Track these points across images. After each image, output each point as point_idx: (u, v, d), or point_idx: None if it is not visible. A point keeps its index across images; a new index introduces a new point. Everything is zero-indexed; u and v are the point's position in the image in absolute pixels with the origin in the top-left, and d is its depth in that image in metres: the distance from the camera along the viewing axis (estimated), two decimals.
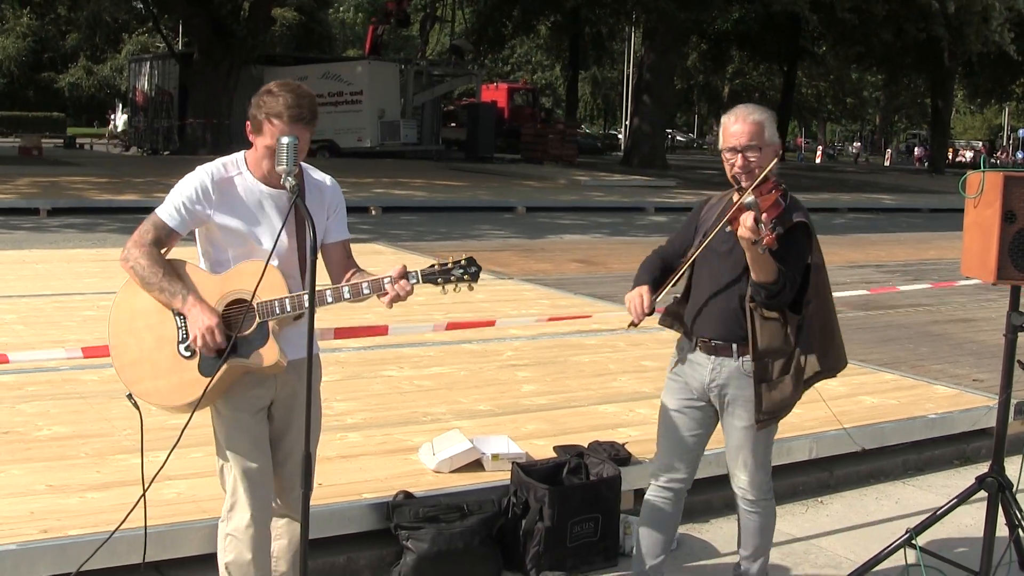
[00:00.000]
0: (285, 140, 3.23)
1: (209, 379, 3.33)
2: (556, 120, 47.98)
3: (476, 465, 4.91)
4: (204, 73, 32.17)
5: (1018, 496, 4.32)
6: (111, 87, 63.31)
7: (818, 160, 59.55)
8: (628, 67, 56.76)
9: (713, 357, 3.92)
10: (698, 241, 3.95)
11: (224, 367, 3.34)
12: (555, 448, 5.19)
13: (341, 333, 6.38)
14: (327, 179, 3.62)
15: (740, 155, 3.79)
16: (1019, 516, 4.27)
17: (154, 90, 38.00)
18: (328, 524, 4.35)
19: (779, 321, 3.79)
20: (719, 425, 4.06)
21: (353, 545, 4.48)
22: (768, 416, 3.84)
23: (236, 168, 3.46)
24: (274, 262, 3.36)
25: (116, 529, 3.74)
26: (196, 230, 3.48)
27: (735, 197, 3.81)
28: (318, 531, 4.16)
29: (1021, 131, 70.44)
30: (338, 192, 3.65)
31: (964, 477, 5.83)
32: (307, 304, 3.20)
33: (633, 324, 3.91)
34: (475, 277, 3.47)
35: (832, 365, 3.97)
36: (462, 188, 23.85)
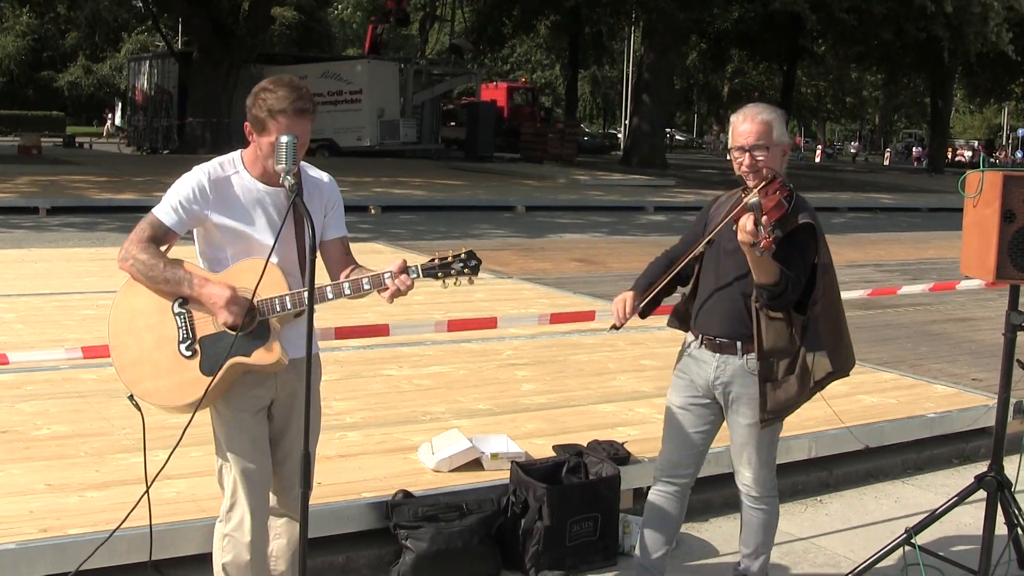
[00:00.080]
0: (284, 139, 3.23)
1: (211, 378, 3.33)
2: (556, 119, 47.98)
3: (475, 464, 4.91)
4: (204, 72, 32.17)
5: (1017, 495, 4.32)
6: (110, 86, 63.29)
7: (817, 159, 59.56)
8: (628, 66, 56.73)
9: (718, 355, 3.93)
10: (704, 240, 3.96)
11: (226, 366, 3.34)
12: (554, 447, 5.19)
13: (342, 333, 6.37)
14: (324, 176, 3.62)
15: (747, 154, 3.80)
16: (1018, 515, 4.27)
17: (153, 89, 37.99)
18: (327, 523, 4.35)
19: (784, 321, 3.80)
20: (724, 424, 4.08)
21: (352, 544, 4.48)
22: (773, 415, 3.86)
23: (233, 167, 3.46)
24: (273, 260, 3.35)
25: (117, 528, 3.74)
26: (194, 231, 3.47)
27: (743, 196, 3.83)
28: (317, 530, 4.16)
29: (1020, 130, 70.46)
30: (335, 189, 3.65)
31: (963, 476, 5.83)
32: (311, 304, 3.19)
33: (615, 327, 3.96)
34: (475, 270, 3.48)
35: (842, 365, 3.97)
36: (461, 187, 23.85)
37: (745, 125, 3.82)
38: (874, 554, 4.36)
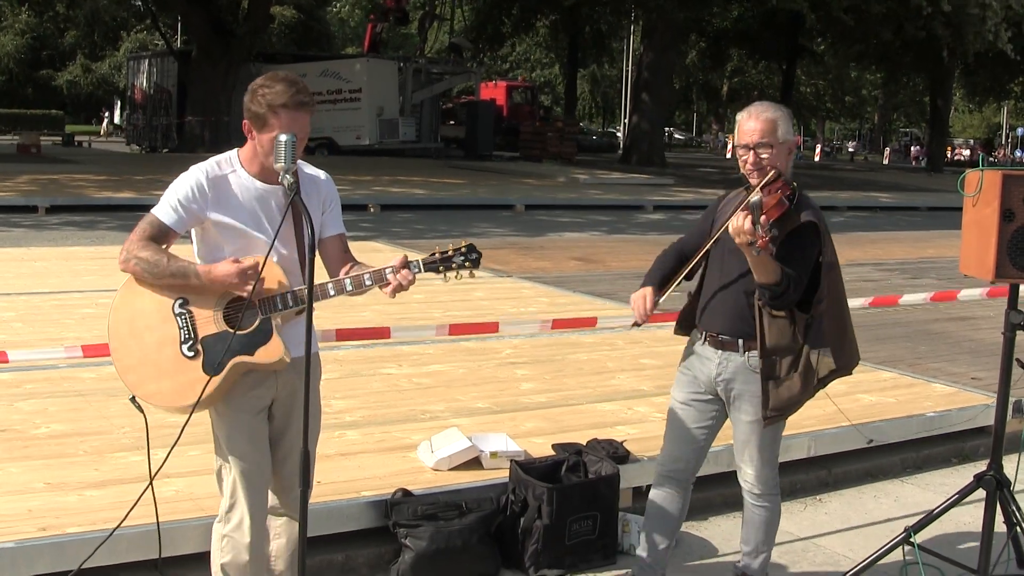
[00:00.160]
0: (284, 138, 3.22)
1: (215, 377, 3.32)
2: (555, 118, 47.98)
3: (474, 463, 4.91)
4: (203, 71, 32.16)
5: (1016, 494, 4.32)
6: (109, 85, 63.27)
7: (817, 158, 59.59)
8: (627, 65, 56.74)
9: (720, 351, 3.95)
10: (712, 237, 3.97)
11: (229, 365, 3.33)
12: (553, 446, 5.19)
13: (343, 335, 6.37)
14: (321, 174, 3.62)
15: (752, 152, 3.81)
16: (1017, 514, 4.27)
17: (153, 88, 38.00)
18: (326, 522, 4.35)
19: (787, 319, 3.81)
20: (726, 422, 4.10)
21: (351, 543, 4.48)
22: (776, 413, 3.87)
23: (230, 166, 3.45)
24: (273, 258, 3.35)
25: (117, 527, 3.74)
26: (192, 232, 3.47)
27: (747, 194, 3.84)
28: (316, 529, 4.15)
29: (1020, 129, 70.43)
30: (332, 187, 3.65)
31: (962, 475, 5.83)
32: (310, 303, 3.19)
33: (636, 324, 3.99)
34: (476, 263, 3.50)
35: (846, 363, 3.99)
36: (461, 186, 23.85)
37: (750, 123, 3.83)
38: (873, 553, 4.36)
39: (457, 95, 49.50)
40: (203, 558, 3.86)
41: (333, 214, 3.62)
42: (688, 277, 4.09)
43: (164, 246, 3.41)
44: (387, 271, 3.40)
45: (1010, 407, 4.97)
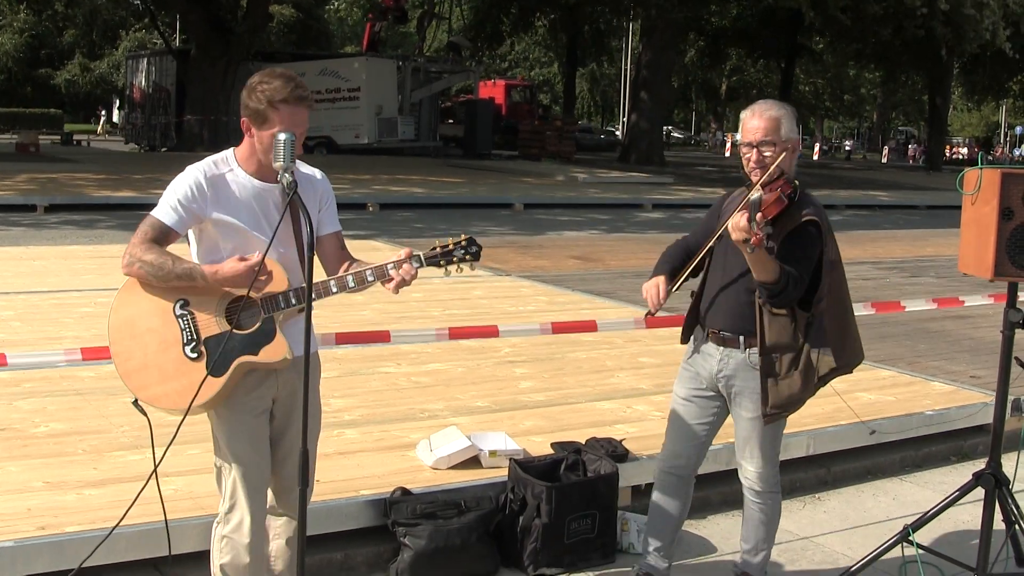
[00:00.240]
0: (282, 137, 3.22)
1: (219, 378, 3.32)
2: (554, 117, 47.98)
3: (473, 462, 4.91)
4: (202, 69, 32.16)
5: (1016, 493, 4.32)
6: (108, 84, 63.26)
7: (815, 157, 59.62)
8: (626, 64, 56.73)
9: (722, 348, 3.97)
10: (715, 236, 3.98)
11: (234, 365, 3.33)
12: (552, 445, 5.19)
13: (343, 338, 6.36)
14: (317, 172, 3.63)
15: (755, 150, 3.82)
16: (1016, 512, 4.27)
17: (151, 86, 37.98)
18: (325, 521, 4.35)
19: (788, 317, 3.81)
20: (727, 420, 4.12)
21: (350, 542, 4.48)
22: (775, 410, 3.88)
23: (227, 165, 3.45)
24: (273, 256, 3.35)
25: (116, 525, 3.73)
26: (189, 234, 3.45)
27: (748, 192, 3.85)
28: (315, 528, 4.15)
29: (1018, 128, 70.45)
30: (328, 185, 3.66)
31: (961, 473, 5.83)
32: (309, 301, 3.19)
33: (650, 313, 3.99)
34: (476, 256, 3.51)
35: (848, 361, 3.99)
36: (460, 185, 23.84)
37: (754, 121, 3.84)
38: (872, 551, 4.36)
39: (456, 94, 49.51)
40: (202, 557, 3.86)
41: (329, 212, 3.62)
42: (695, 273, 4.10)
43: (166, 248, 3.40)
44: (388, 267, 3.40)
45: (1009, 405, 4.97)
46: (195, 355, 3.34)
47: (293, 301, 3.36)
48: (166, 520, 3.67)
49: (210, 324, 3.35)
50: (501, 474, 4.75)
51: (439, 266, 3.48)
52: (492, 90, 47.04)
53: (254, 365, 3.38)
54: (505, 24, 44.27)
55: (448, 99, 46.87)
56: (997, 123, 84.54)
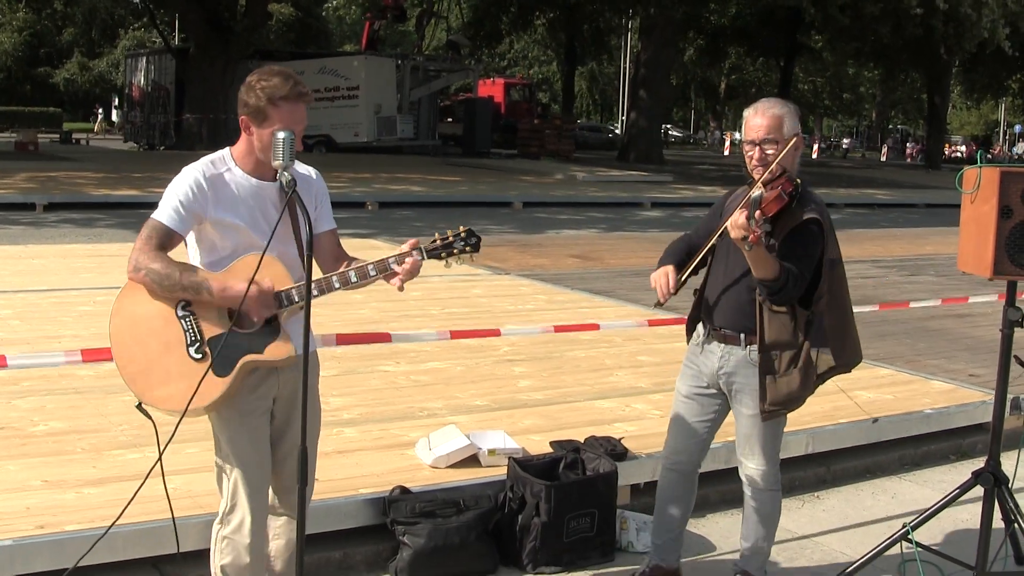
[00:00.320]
0: (281, 135, 3.22)
1: (226, 377, 3.30)
2: (553, 115, 47.97)
3: (472, 460, 4.91)
4: (201, 68, 32.13)
5: (1015, 492, 4.32)
6: (107, 82, 63.23)
7: (814, 155, 59.62)
8: (625, 62, 56.72)
9: (723, 345, 3.99)
10: (716, 233, 3.98)
11: (239, 364, 3.32)
12: (551, 443, 5.19)
13: (343, 339, 6.36)
14: (311, 171, 3.63)
15: (758, 148, 3.82)
16: (1015, 511, 4.27)
17: (150, 85, 37.97)
18: (324, 519, 4.35)
19: (788, 315, 3.82)
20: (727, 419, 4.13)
21: (349, 540, 4.48)
22: (774, 407, 3.88)
23: (224, 164, 3.44)
24: (273, 254, 3.35)
25: (112, 524, 3.73)
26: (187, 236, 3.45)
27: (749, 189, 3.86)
28: (314, 526, 4.15)
29: (1017, 126, 70.43)
30: (323, 183, 3.66)
31: (960, 472, 5.84)
32: (308, 299, 3.19)
33: (659, 303, 3.98)
34: (476, 247, 3.53)
35: (847, 360, 4.00)
36: (459, 183, 23.84)
37: (756, 119, 3.85)
38: (871, 550, 4.36)
39: (455, 92, 49.50)
40: (201, 556, 3.85)
41: (324, 210, 3.63)
42: (697, 271, 4.10)
43: (169, 252, 3.38)
44: (391, 261, 3.41)
45: (1008, 404, 4.97)
46: (199, 356, 3.32)
47: (296, 298, 3.36)
48: (173, 518, 3.66)
49: (213, 324, 3.34)
50: (500, 473, 4.75)
51: (440, 258, 3.49)
52: (491, 89, 47.03)
53: (260, 363, 3.37)
54: (504, 22, 44.26)
55: (447, 98, 46.85)
56: (996, 121, 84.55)
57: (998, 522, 4.26)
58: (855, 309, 4.15)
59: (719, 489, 5.30)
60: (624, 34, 54.53)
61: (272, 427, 3.55)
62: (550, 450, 5.08)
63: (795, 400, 3.90)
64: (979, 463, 4.50)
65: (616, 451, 5.05)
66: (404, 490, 4.51)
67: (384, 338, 6.56)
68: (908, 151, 64.78)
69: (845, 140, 72.45)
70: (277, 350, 3.36)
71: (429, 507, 4.41)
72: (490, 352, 7.29)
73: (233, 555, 3.51)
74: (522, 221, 18.64)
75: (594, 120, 71.16)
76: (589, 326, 7.62)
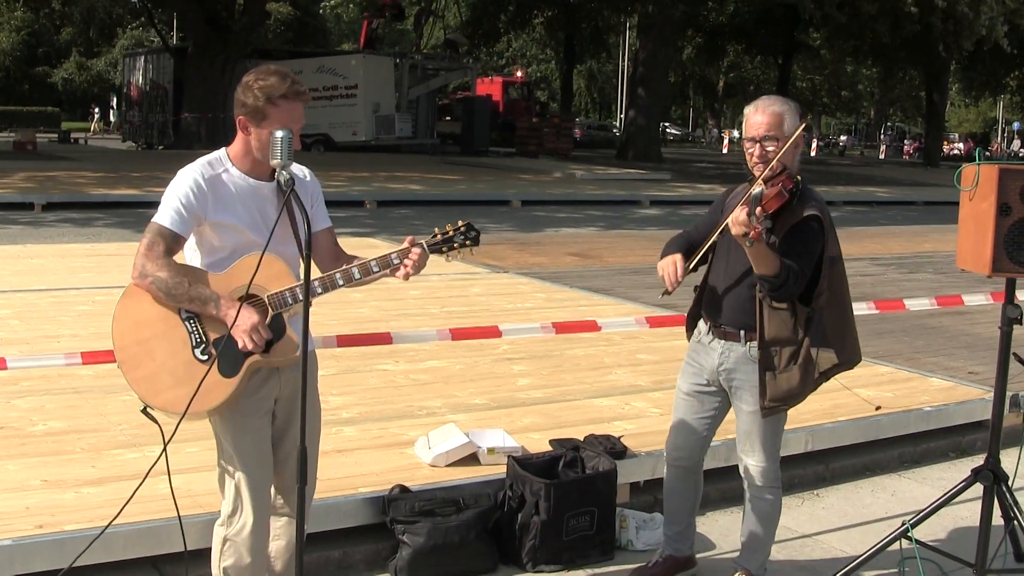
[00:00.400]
0: (280, 135, 3.22)
1: (233, 378, 3.30)
2: (551, 114, 47.95)
3: (472, 459, 4.91)
4: (199, 67, 32.11)
5: (1015, 491, 4.32)
6: (105, 82, 63.20)
7: (813, 153, 59.61)
8: (623, 60, 56.71)
9: (723, 342, 4.00)
10: (717, 230, 3.98)
11: (246, 365, 3.31)
12: (551, 442, 5.18)
13: (344, 341, 6.35)
14: (304, 170, 3.62)
15: (758, 145, 3.83)
16: (1014, 508, 4.27)
17: (148, 84, 37.94)
18: (324, 518, 4.34)
19: (788, 312, 3.83)
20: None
21: (349, 539, 4.48)
22: (774, 404, 3.89)
23: (221, 165, 3.43)
24: (273, 254, 3.34)
25: (109, 523, 3.73)
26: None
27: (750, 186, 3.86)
28: (314, 526, 4.15)
29: (1016, 123, 70.43)
30: (317, 182, 3.67)
31: (960, 470, 5.84)
32: (307, 299, 3.18)
33: (667, 292, 3.97)
34: (476, 241, 3.55)
35: (848, 358, 4.01)
36: (457, 182, 23.83)
37: (757, 116, 3.85)
38: (871, 548, 4.36)
39: (453, 91, 49.47)
40: (201, 555, 3.85)
41: (320, 209, 3.64)
42: (698, 267, 4.10)
43: (174, 256, 3.37)
44: (393, 256, 3.42)
45: (1007, 401, 4.97)
46: (205, 357, 3.31)
47: (300, 297, 3.35)
48: (179, 517, 3.66)
49: (217, 325, 3.33)
50: (499, 471, 4.74)
51: (441, 252, 3.50)
52: (489, 87, 46.99)
53: (266, 363, 3.37)
54: (502, 21, 44.24)
55: (445, 96, 46.85)
56: (995, 119, 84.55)
57: (998, 519, 4.26)
58: (855, 308, 4.15)
59: (719, 487, 5.30)
60: (622, 32, 54.54)
61: (273, 427, 3.55)
62: (549, 448, 5.08)
63: (795, 396, 3.91)
64: (978, 460, 4.50)
65: (615, 449, 5.05)
66: (403, 489, 4.51)
67: (384, 339, 6.55)
68: (905, 149, 64.72)
69: (843, 137, 72.42)
70: (283, 350, 3.36)
71: (428, 506, 4.41)
72: (489, 351, 7.29)
73: (236, 556, 3.51)
74: (521, 219, 18.64)
75: (593, 119, 71.16)
76: (589, 326, 7.61)
